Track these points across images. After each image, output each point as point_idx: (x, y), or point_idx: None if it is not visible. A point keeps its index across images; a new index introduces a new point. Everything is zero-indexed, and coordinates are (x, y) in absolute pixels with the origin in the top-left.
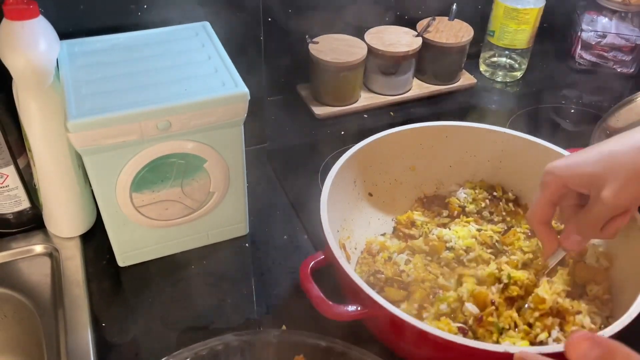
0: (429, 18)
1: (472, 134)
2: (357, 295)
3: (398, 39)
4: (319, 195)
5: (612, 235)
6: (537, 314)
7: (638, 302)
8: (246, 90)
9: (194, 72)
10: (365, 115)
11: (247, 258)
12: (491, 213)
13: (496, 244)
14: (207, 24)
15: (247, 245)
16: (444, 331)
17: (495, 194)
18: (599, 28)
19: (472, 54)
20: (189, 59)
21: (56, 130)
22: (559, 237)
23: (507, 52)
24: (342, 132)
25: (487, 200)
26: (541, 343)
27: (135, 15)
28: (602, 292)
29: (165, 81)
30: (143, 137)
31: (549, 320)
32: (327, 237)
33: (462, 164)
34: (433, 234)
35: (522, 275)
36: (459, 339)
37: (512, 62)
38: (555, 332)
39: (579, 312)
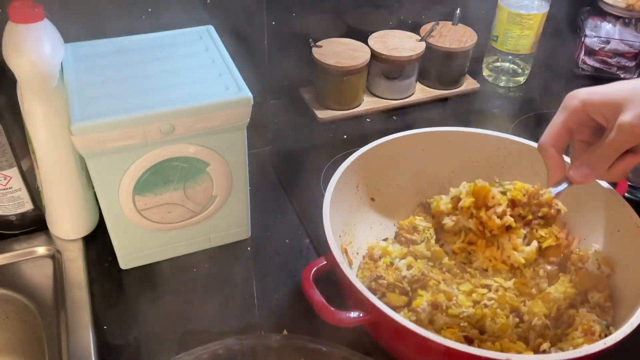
0: (433, 23)
1: (475, 140)
2: (358, 301)
3: (401, 44)
4: (321, 199)
5: (619, 177)
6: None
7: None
8: (250, 94)
9: (197, 76)
10: (368, 120)
11: (249, 262)
12: None
13: None
14: (211, 28)
15: (249, 249)
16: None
17: None
18: (602, 34)
19: (475, 58)
20: (193, 63)
21: (60, 133)
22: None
23: (510, 57)
24: (345, 136)
25: None
26: (544, 352)
27: (140, 19)
28: (603, 300)
29: (169, 85)
30: (146, 141)
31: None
32: (329, 243)
33: (464, 169)
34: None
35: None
36: (462, 347)
37: (516, 67)
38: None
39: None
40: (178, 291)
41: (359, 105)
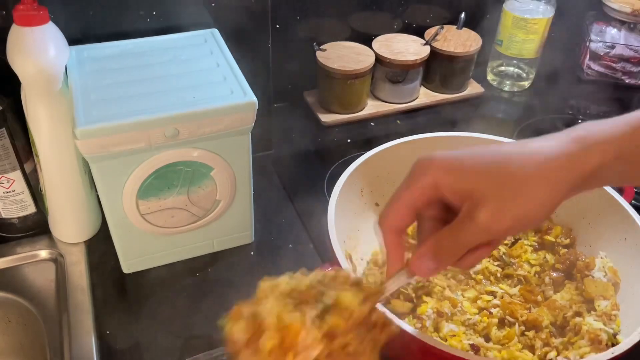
0: (437, 27)
1: (479, 145)
2: None
3: (406, 47)
4: (324, 203)
5: (468, 268)
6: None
7: None
8: (254, 99)
9: (202, 80)
10: (372, 123)
11: (253, 266)
12: None
13: (503, 256)
14: (216, 31)
15: (252, 253)
16: (455, 347)
17: None
18: (607, 39)
19: (479, 62)
20: (198, 66)
21: (64, 136)
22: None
23: (515, 61)
24: (349, 140)
25: None
26: None
27: (144, 22)
28: (610, 308)
29: (174, 88)
30: (151, 145)
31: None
32: (335, 250)
33: None
34: None
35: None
36: (468, 356)
37: (520, 71)
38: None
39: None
40: (181, 296)
41: (363, 109)
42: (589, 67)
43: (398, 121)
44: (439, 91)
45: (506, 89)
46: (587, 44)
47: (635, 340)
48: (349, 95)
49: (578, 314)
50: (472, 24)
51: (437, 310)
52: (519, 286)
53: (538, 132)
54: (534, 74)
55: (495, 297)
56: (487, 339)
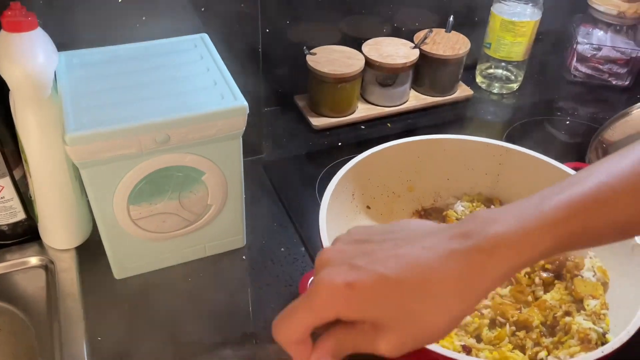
0: (426, 30)
1: (470, 147)
2: None
3: (395, 51)
4: (316, 206)
5: None
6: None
7: (636, 319)
8: (245, 103)
9: (192, 85)
10: (363, 127)
11: (245, 271)
12: None
13: None
14: (206, 36)
15: (244, 257)
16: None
17: (493, 206)
18: (594, 41)
19: (468, 65)
20: (188, 72)
21: (53, 142)
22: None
23: (503, 64)
24: (340, 143)
25: None
26: None
27: (134, 27)
28: (599, 307)
29: (164, 94)
30: (141, 151)
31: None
32: None
33: (459, 177)
34: None
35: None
36: (460, 356)
37: (509, 74)
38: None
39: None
40: (173, 301)
41: (354, 112)
42: (576, 69)
43: (389, 124)
44: (428, 94)
45: (495, 91)
46: (574, 46)
47: (625, 339)
48: (340, 98)
49: (568, 313)
50: (461, 27)
51: None
52: (509, 287)
53: (527, 133)
54: (523, 77)
55: (486, 298)
56: (479, 339)
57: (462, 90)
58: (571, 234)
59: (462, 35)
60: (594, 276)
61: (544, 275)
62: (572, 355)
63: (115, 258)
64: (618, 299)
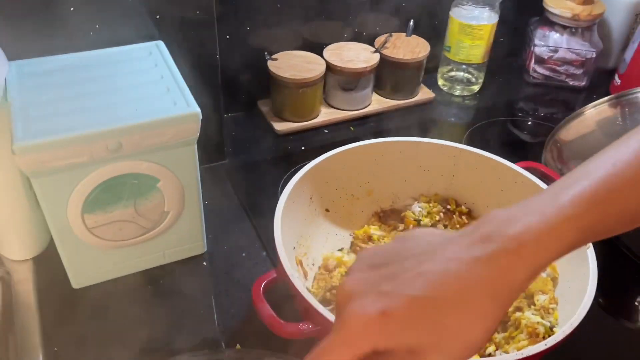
0: (387, 34)
1: (425, 149)
2: (309, 312)
3: (357, 55)
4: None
5: None
6: None
7: (580, 312)
8: (198, 109)
9: (145, 93)
10: (326, 131)
11: (205, 277)
12: (445, 226)
13: None
14: (161, 43)
15: (205, 263)
16: None
17: (449, 207)
18: (550, 43)
19: (430, 68)
20: (141, 79)
21: (4, 152)
22: None
23: (464, 66)
24: (303, 148)
25: (442, 214)
26: (489, 355)
27: (88, 35)
28: (548, 302)
29: (116, 102)
30: (93, 159)
31: (498, 335)
32: (279, 254)
33: (416, 178)
34: None
35: None
36: None
37: (470, 76)
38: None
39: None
40: (132, 309)
41: (317, 116)
42: (535, 71)
43: (351, 128)
44: (390, 97)
45: (457, 93)
46: (532, 48)
47: (567, 332)
48: (302, 103)
49: (519, 309)
50: (421, 31)
51: None
52: None
53: (488, 134)
54: (483, 78)
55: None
56: None
57: (424, 93)
58: (591, 226)
59: (422, 39)
60: (544, 272)
61: None
62: (519, 349)
63: (72, 267)
64: (566, 293)
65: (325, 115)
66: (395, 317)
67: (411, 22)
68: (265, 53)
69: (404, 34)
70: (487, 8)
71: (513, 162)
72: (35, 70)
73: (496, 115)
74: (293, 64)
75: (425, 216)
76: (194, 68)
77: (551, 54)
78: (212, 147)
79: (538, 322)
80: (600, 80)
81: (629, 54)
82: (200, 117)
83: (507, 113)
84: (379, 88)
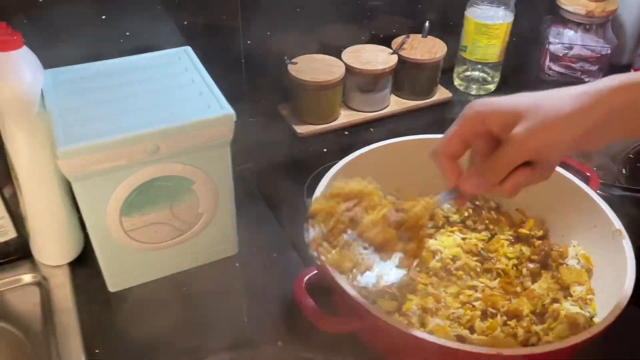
0: (403, 36)
1: None
2: (351, 307)
3: (374, 57)
4: (305, 211)
5: (511, 192)
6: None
7: (620, 301)
8: (232, 111)
9: (178, 96)
10: (346, 132)
11: (238, 278)
12: (474, 222)
13: (481, 251)
14: (189, 49)
15: (237, 265)
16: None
17: (477, 202)
18: (565, 40)
19: (446, 68)
20: (173, 83)
21: (43, 159)
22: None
23: (479, 66)
24: (325, 149)
25: (470, 210)
26: (532, 345)
27: (118, 43)
28: (585, 293)
29: (151, 105)
30: (132, 162)
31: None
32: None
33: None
34: None
35: None
36: (454, 344)
37: (485, 75)
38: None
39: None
40: (168, 311)
41: (336, 118)
42: (550, 68)
43: (371, 129)
44: (408, 98)
45: (473, 92)
46: (547, 46)
47: (610, 321)
48: (322, 106)
49: (556, 300)
50: (437, 31)
51: (421, 307)
52: (498, 279)
53: None
54: (499, 77)
55: (476, 291)
56: (472, 330)
57: (441, 93)
58: (628, 102)
59: (438, 40)
60: (578, 264)
61: (531, 266)
62: (562, 339)
63: (109, 271)
64: (602, 283)
65: (345, 117)
66: (501, 99)
67: (427, 23)
68: (285, 57)
69: (420, 35)
70: (502, 7)
71: None
72: (69, 78)
73: None
74: (313, 67)
75: (454, 212)
76: (220, 73)
77: (566, 51)
78: (237, 150)
79: (578, 313)
80: None
81: None
82: (235, 119)
83: None
84: (397, 89)
